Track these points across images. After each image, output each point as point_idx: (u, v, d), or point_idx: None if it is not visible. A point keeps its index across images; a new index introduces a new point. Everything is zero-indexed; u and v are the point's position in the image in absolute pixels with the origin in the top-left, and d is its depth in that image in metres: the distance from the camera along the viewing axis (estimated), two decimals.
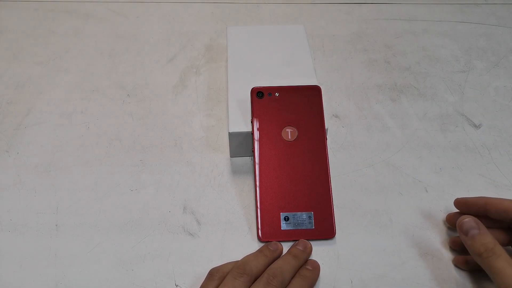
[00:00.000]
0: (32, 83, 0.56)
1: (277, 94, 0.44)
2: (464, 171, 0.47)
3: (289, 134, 0.43)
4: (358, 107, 0.54)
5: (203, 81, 0.57)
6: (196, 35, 0.63)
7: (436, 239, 0.41)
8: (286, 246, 0.40)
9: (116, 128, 0.51)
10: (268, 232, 0.40)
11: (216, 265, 0.39)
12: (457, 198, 0.41)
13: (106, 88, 0.56)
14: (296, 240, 0.40)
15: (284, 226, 0.40)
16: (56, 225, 0.42)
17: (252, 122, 0.43)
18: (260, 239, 0.40)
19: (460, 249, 0.40)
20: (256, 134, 0.43)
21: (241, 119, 0.45)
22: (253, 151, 0.42)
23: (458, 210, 0.41)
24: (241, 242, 0.41)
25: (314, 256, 0.40)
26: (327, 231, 0.41)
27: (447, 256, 0.40)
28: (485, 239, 0.33)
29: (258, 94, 0.44)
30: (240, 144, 0.45)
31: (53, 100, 0.54)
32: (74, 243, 0.41)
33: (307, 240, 0.40)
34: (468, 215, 0.36)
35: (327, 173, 0.42)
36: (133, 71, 0.58)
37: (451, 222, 0.41)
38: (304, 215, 0.41)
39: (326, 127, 0.43)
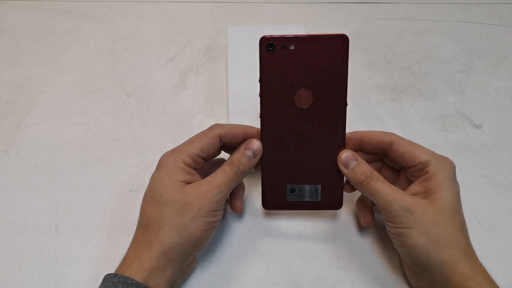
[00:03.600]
0: (31, 83, 0.56)
1: (292, 47, 0.35)
2: (464, 172, 0.47)
3: (302, 99, 0.36)
4: (358, 107, 0.54)
5: (203, 81, 0.56)
6: (196, 35, 0.63)
7: None
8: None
9: (115, 128, 0.51)
10: (272, 202, 0.39)
11: (218, 267, 0.39)
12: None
13: (106, 88, 0.55)
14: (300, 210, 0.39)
15: (289, 197, 0.39)
16: (56, 226, 0.42)
17: (260, 81, 0.37)
18: (264, 207, 0.40)
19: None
20: (264, 97, 0.37)
21: (241, 119, 0.45)
22: (260, 117, 0.37)
23: None
24: (240, 240, 0.41)
25: (314, 257, 0.40)
26: (333, 203, 0.39)
27: None
28: (363, 168, 0.36)
29: (268, 46, 0.35)
30: None
31: (53, 100, 0.54)
32: (74, 244, 0.41)
33: (313, 210, 0.39)
34: (346, 150, 0.38)
35: (343, 145, 0.38)
36: (133, 71, 0.58)
37: None
38: (311, 188, 0.39)
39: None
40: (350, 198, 0.44)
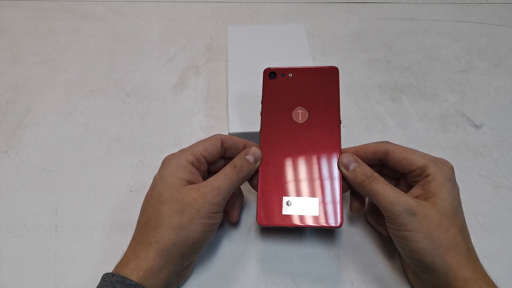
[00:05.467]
0: (31, 83, 0.56)
1: (290, 75, 0.41)
2: (464, 172, 0.47)
3: (299, 115, 0.40)
4: (358, 107, 0.54)
5: (203, 81, 0.56)
6: (196, 35, 0.63)
7: None
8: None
9: (115, 128, 0.51)
10: (268, 216, 0.37)
11: (217, 267, 0.39)
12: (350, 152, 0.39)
13: (106, 88, 0.55)
14: (298, 226, 0.37)
15: (285, 211, 0.37)
16: (56, 226, 0.42)
17: (262, 102, 0.40)
18: (258, 223, 0.37)
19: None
20: (265, 114, 0.40)
21: (241, 119, 0.45)
22: (260, 132, 0.40)
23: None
24: (240, 240, 0.41)
25: (314, 257, 0.40)
26: (332, 219, 0.37)
27: None
28: (364, 169, 0.36)
29: (270, 75, 0.41)
30: None
31: (53, 100, 0.54)
32: (74, 244, 0.41)
33: (311, 227, 0.37)
34: (346, 153, 0.38)
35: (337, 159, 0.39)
36: (133, 71, 0.58)
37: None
38: (308, 201, 0.37)
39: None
40: (347, 201, 0.44)
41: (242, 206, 0.43)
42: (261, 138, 0.39)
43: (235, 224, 0.42)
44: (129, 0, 0.69)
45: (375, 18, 0.67)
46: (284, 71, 0.41)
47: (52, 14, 0.66)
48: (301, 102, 0.40)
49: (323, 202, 0.38)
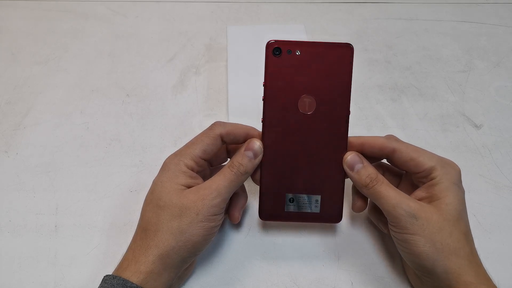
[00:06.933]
0: (31, 83, 0.56)
1: (298, 53, 0.36)
2: (464, 172, 0.46)
3: (306, 105, 0.36)
4: (358, 107, 0.54)
5: (203, 81, 0.56)
6: (196, 35, 0.63)
7: None
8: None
9: (115, 128, 0.51)
10: (270, 212, 0.38)
11: (218, 268, 0.39)
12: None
13: (106, 88, 0.55)
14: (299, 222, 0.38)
15: (288, 207, 0.38)
16: (56, 226, 0.42)
17: (264, 85, 0.37)
18: (260, 218, 0.38)
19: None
20: (268, 101, 0.36)
21: (241, 119, 0.45)
22: (262, 121, 0.37)
23: None
24: (240, 241, 0.41)
25: (314, 257, 0.40)
26: (333, 216, 0.38)
27: None
28: (368, 171, 0.36)
29: (275, 50, 0.36)
30: None
31: (53, 100, 0.54)
32: (74, 244, 0.41)
33: (312, 222, 0.38)
34: (352, 151, 0.37)
35: (343, 156, 0.37)
36: (133, 71, 0.58)
37: None
38: (311, 198, 0.38)
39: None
40: (348, 197, 0.44)
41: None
42: (263, 129, 0.37)
43: (235, 225, 0.42)
44: (129, 0, 0.69)
45: (375, 18, 0.67)
46: (290, 47, 0.36)
47: (52, 14, 0.66)
48: (308, 88, 0.36)
49: (325, 199, 0.38)
